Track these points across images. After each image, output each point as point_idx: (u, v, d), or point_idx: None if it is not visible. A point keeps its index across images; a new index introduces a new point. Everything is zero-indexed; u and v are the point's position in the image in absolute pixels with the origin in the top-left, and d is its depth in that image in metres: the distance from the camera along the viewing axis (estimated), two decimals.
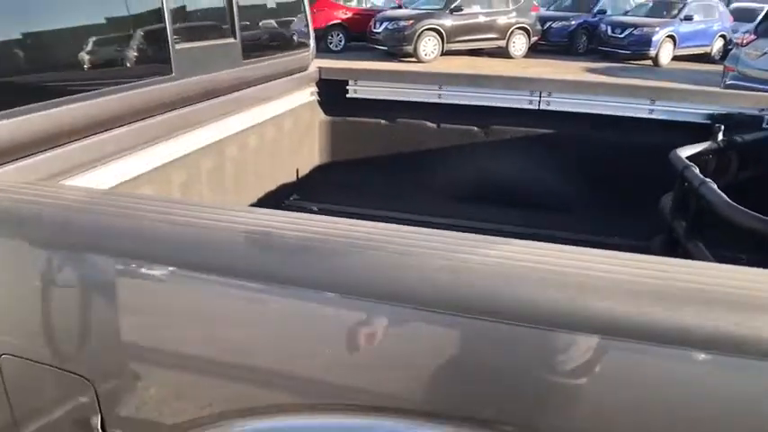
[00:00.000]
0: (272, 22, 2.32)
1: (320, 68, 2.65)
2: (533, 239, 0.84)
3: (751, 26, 8.81)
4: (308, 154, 2.67)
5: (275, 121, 2.28)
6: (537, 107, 2.46)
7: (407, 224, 0.93)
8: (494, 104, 2.49)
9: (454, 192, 2.56)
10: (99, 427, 0.91)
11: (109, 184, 1.39)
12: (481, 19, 13.87)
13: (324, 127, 2.72)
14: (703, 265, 0.90)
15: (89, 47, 1.39)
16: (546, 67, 12.99)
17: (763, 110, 2.21)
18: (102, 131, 1.39)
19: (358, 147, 2.70)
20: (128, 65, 1.50)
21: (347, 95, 2.64)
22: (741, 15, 14.32)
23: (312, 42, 2.58)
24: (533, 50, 14.80)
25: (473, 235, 0.87)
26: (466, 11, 13.71)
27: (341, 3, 15.58)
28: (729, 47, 12.11)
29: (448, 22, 13.47)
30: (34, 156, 1.21)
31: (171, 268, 0.87)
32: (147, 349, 0.91)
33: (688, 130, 2.23)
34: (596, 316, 0.70)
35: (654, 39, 13.32)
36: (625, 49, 13.59)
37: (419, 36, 13.20)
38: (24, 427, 1.00)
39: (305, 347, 0.83)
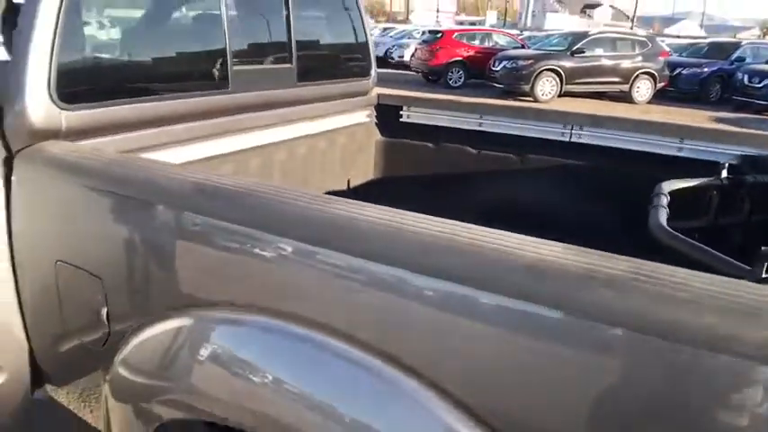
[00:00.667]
0: (332, 53, 2.73)
1: (379, 94, 3.01)
2: None
3: None
4: (362, 169, 3.03)
5: (327, 135, 2.66)
6: (569, 139, 2.62)
7: None
8: (529, 134, 2.68)
9: (489, 213, 2.76)
10: (105, 318, 1.29)
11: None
12: (604, 62, 13.63)
13: (379, 146, 3.06)
14: None
15: (172, 66, 1.87)
16: (670, 114, 12.44)
17: None
18: (170, 124, 1.84)
19: (407, 166, 3.00)
20: (197, 79, 1.96)
21: (400, 119, 2.97)
22: None
23: (373, 72, 2.95)
24: (660, 97, 14.22)
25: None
26: (588, 53, 13.56)
27: (464, 41, 16.08)
28: None
29: (568, 63, 13.41)
30: (125, 133, 1.69)
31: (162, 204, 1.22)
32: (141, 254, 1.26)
33: (715, 168, 2.27)
34: None
35: None
36: (762, 99, 12.64)
37: (537, 76, 13.27)
38: (68, 320, 1.42)
39: None
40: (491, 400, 0.86)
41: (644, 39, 14.48)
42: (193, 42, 2.00)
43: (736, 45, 15.72)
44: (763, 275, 1.19)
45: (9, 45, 1.52)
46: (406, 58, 19.07)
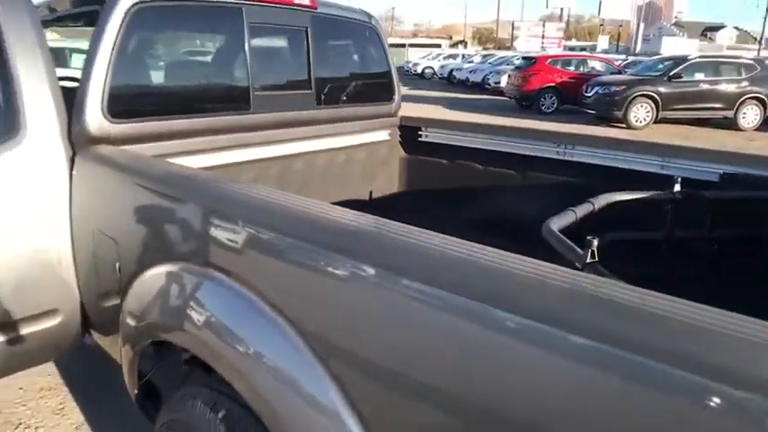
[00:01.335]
0: (351, 80, 3.17)
1: (402, 117, 3.40)
2: None
3: None
4: (386, 181, 3.42)
5: (349, 150, 3.09)
6: (563, 157, 2.85)
7: None
8: (527, 153, 2.94)
9: (491, 225, 3.04)
10: (118, 270, 1.78)
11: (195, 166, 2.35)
12: (704, 87, 13.02)
13: (402, 162, 3.45)
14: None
15: (198, 91, 2.40)
16: None
17: None
18: (195, 137, 2.36)
19: (425, 180, 3.36)
20: (223, 102, 2.48)
21: (419, 139, 3.34)
22: None
23: (397, 96, 3.34)
24: None
25: None
26: (686, 78, 13.02)
27: (558, 67, 16.01)
28: None
29: (664, 89, 12.96)
30: (156, 143, 2.22)
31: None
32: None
33: (696, 186, 2.41)
34: None
35: None
36: None
37: (630, 102, 12.95)
38: (100, 275, 1.93)
39: None
40: (320, 329, 1.21)
41: (751, 62, 13.64)
42: (219, 72, 2.54)
43: None
44: (588, 261, 1.43)
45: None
46: (503, 84, 19.26)
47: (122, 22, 2.05)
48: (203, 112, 2.38)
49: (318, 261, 1.18)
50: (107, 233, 1.83)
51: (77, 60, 3.70)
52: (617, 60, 20.66)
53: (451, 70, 27.93)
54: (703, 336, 0.78)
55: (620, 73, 15.64)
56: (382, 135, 3.32)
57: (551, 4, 39.66)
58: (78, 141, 2.04)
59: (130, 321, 1.73)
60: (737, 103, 12.92)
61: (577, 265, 1.43)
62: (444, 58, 32.86)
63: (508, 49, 40.84)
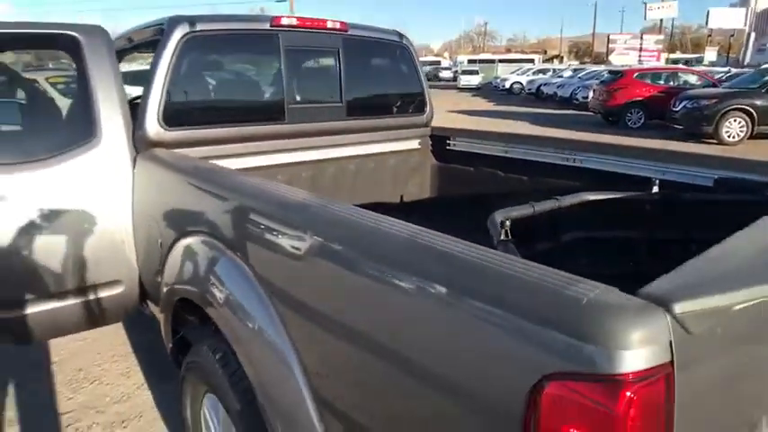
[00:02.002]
0: (380, 94, 3.52)
1: (433, 127, 3.71)
2: None
3: None
4: (418, 186, 3.74)
5: (378, 157, 3.45)
6: (572, 164, 3.03)
7: None
8: (540, 160, 3.15)
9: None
10: (160, 246, 2.24)
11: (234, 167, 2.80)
12: None
13: (434, 169, 3.75)
14: None
15: (239, 104, 2.86)
16: None
17: None
18: (238, 143, 2.82)
19: (453, 185, 3.64)
20: (261, 113, 2.93)
21: (447, 147, 3.63)
22: None
23: (428, 108, 3.66)
24: None
25: None
26: None
27: (646, 81, 15.49)
28: None
29: (761, 102, 12.21)
30: (202, 147, 2.70)
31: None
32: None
33: (691, 190, 2.53)
34: None
35: None
36: None
37: (722, 116, 12.32)
38: (148, 249, 2.41)
39: None
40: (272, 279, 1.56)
41: None
42: (257, 88, 2.99)
43: None
44: (501, 239, 1.66)
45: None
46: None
47: (175, 49, 2.54)
48: (244, 122, 2.83)
49: (272, 232, 1.54)
50: (156, 217, 2.29)
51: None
52: (718, 74, 19.57)
53: (540, 85, 27.60)
54: (521, 286, 0.97)
55: (714, 86, 14.85)
56: (412, 144, 3.65)
57: (650, 15, 37.96)
58: (140, 144, 2.55)
59: (165, 287, 2.17)
60: None
61: (495, 242, 1.68)
62: (533, 73, 32.48)
63: (602, 63, 39.58)
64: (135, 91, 3.28)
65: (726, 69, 23.38)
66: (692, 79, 15.92)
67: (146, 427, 2.74)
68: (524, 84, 31.35)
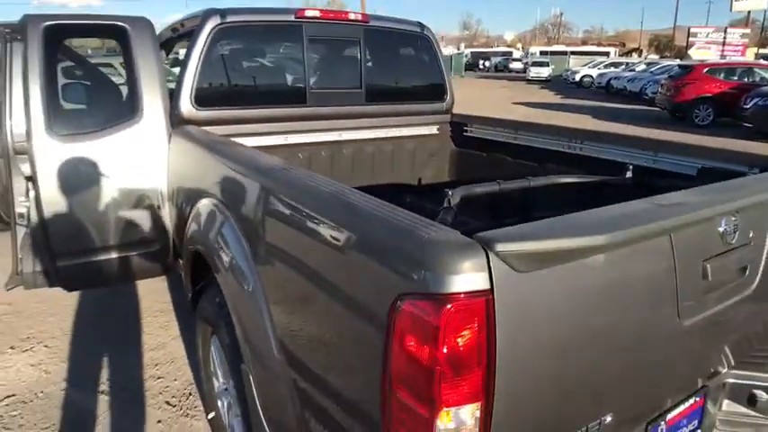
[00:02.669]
0: (400, 81, 3.74)
1: (453, 114, 3.91)
2: None
3: None
4: (437, 170, 3.96)
5: (393, 141, 3.69)
6: (574, 151, 3.17)
7: None
8: (545, 147, 3.30)
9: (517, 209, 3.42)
10: (187, 210, 2.59)
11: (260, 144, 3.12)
12: None
13: (453, 154, 3.96)
14: None
15: (264, 88, 3.19)
16: None
17: (752, 167, 2.45)
18: (263, 123, 3.15)
19: (469, 169, 3.83)
20: (284, 97, 3.24)
21: (465, 134, 3.83)
22: None
23: (448, 97, 3.86)
24: None
25: None
26: None
27: (717, 76, 14.81)
28: None
29: None
30: (230, 126, 3.04)
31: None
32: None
33: (680, 178, 2.64)
34: None
35: None
36: None
37: None
38: (180, 218, 2.77)
39: None
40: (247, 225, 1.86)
41: None
42: (281, 74, 3.30)
43: None
44: (444, 206, 1.88)
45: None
46: None
47: (207, 37, 2.89)
48: (267, 104, 3.16)
49: (248, 190, 1.85)
50: (185, 185, 2.66)
51: None
52: None
53: (609, 79, 26.74)
54: (391, 227, 1.24)
55: None
56: (431, 129, 3.87)
57: (736, 6, 35.68)
58: (174, 122, 2.92)
59: (186, 243, 2.53)
60: None
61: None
62: (605, 67, 31.46)
63: (680, 58, 37.69)
64: None
65: None
66: None
67: (173, 370, 3.14)
68: (594, 77, 30.44)
